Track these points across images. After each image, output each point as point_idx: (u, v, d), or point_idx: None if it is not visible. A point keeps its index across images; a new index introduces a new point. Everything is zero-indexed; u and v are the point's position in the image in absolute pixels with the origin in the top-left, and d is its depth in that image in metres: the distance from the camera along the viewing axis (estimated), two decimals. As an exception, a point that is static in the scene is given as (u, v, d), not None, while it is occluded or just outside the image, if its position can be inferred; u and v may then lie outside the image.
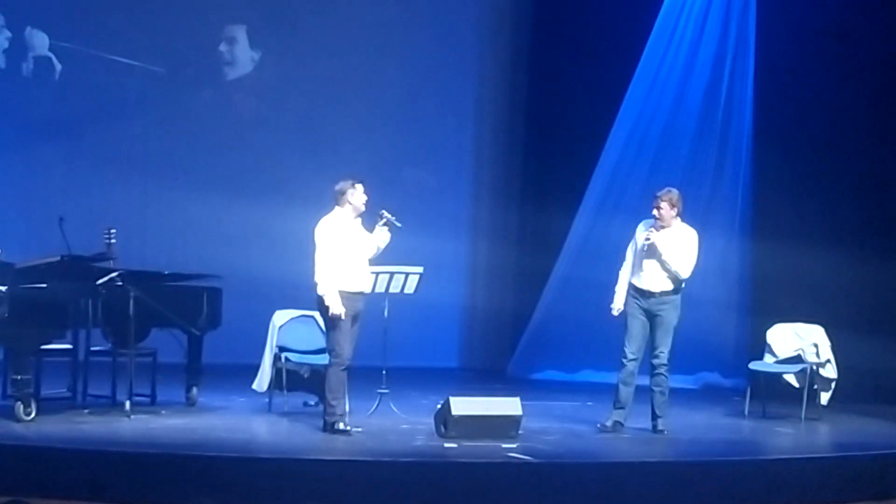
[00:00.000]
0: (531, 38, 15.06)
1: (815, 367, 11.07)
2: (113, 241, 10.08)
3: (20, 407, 9.49)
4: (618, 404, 10.03)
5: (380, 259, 10.14)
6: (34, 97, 14.23)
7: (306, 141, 14.54)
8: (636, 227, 10.16)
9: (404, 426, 10.01)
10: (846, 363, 11.21)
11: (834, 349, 11.16)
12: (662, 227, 9.93)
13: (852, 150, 12.72)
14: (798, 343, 11.29)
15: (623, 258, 10.13)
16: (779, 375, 11.22)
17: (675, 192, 10.02)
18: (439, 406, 9.68)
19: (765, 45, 13.28)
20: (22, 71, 14.24)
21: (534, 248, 14.42)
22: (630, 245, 10.08)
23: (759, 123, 13.39)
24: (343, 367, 9.56)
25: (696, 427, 10.71)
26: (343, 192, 9.67)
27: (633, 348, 9.96)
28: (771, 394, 11.19)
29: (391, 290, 10.46)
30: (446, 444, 9.27)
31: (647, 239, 9.88)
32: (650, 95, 13.79)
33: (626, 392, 10.00)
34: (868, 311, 12.24)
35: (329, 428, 9.52)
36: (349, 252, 9.60)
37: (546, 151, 14.62)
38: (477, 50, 15.23)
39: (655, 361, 9.93)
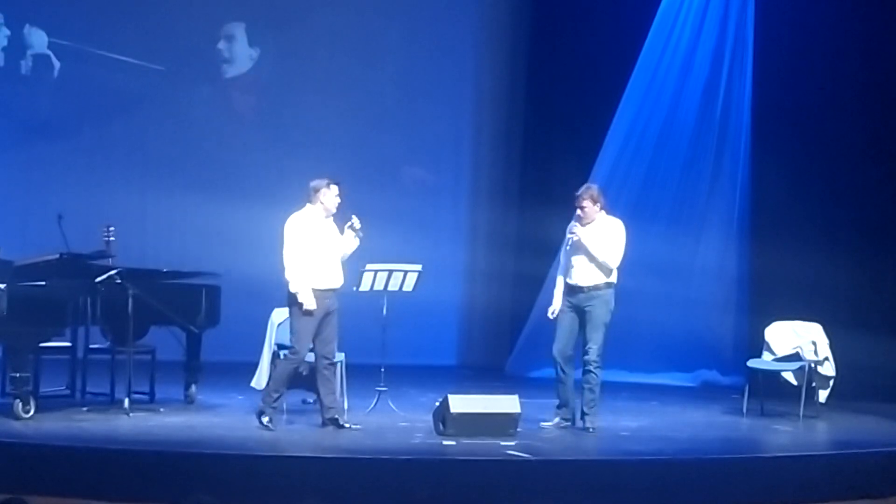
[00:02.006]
0: (529, 37, 15.05)
1: (813, 365, 11.08)
2: (112, 238, 10.08)
3: (19, 405, 9.50)
4: (559, 403, 9.99)
5: (378, 257, 10.13)
6: (33, 95, 14.22)
7: (305, 139, 14.53)
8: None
9: (403, 424, 10.01)
10: (844, 361, 11.20)
11: (832, 347, 11.15)
12: (587, 224, 9.94)
13: (850, 148, 12.72)
14: (796, 341, 11.28)
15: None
16: (777, 373, 11.22)
17: (594, 188, 10.08)
18: (438, 404, 9.69)
19: (763, 44, 13.27)
20: (20, 69, 14.23)
21: (532, 246, 14.38)
22: (563, 247, 10.12)
23: (757, 122, 13.39)
24: (295, 365, 9.63)
25: (695, 425, 10.72)
26: (317, 191, 9.68)
27: (558, 346, 9.92)
28: (769, 392, 11.19)
29: (390, 287, 10.47)
30: (445, 442, 9.28)
31: (570, 233, 9.92)
32: (648, 95, 13.78)
33: (562, 390, 9.98)
34: (866, 308, 12.25)
35: (257, 414, 9.58)
36: (318, 248, 9.60)
37: (544, 150, 14.62)
38: (475, 47, 15.22)
39: (585, 358, 9.88)
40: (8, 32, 14.13)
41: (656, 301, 13.21)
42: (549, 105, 14.58)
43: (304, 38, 14.72)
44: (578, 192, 10.01)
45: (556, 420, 9.98)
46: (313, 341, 9.65)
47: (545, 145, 14.62)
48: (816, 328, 11.24)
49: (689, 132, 13.68)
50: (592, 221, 9.95)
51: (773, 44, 13.10)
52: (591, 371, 9.88)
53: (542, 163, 14.62)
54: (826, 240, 12.58)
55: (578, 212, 9.96)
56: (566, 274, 10.01)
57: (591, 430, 9.88)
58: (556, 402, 10.04)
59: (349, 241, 9.75)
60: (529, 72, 15.05)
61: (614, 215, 10.13)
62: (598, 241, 9.89)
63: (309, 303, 9.45)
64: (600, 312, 9.86)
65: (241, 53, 14.78)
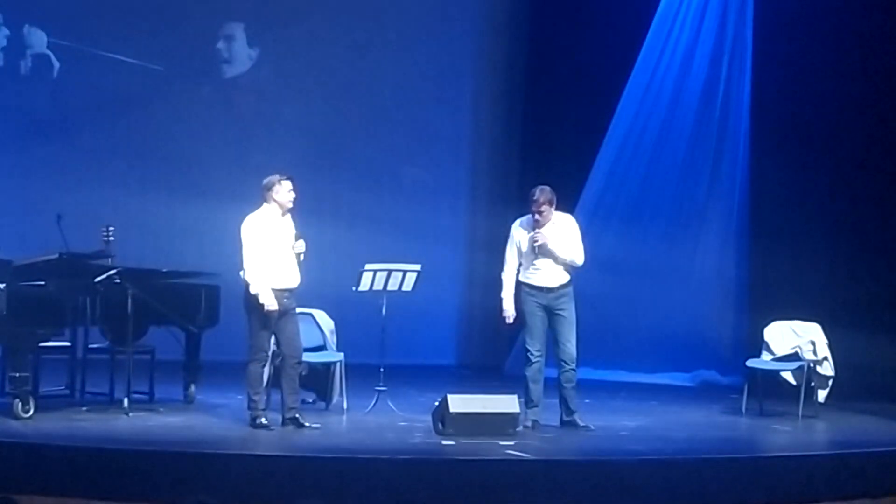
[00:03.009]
0: (528, 37, 15.06)
1: (812, 365, 11.08)
2: (111, 238, 10.08)
3: (18, 404, 9.50)
4: (531, 403, 9.93)
5: (377, 257, 10.11)
6: (32, 95, 14.22)
7: (304, 139, 14.53)
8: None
9: (402, 423, 10.01)
10: (843, 360, 11.20)
11: (831, 346, 11.15)
12: (544, 225, 9.88)
13: (849, 147, 12.73)
14: (795, 340, 11.28)
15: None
16: (776, 373, 11.22)
17: (547, 189, 9.95)
18: (437, 403, 9.69)
19: (762, 44, 13.29)
20: (20, 69, 14.24)
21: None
22: (509, 246, 10.01)
23: (755, 122, 13.40)
24: (262, 364, 9.65)
25: (694, 425, 10.72)
26: (269, 189, 9.66)
27: (537, 346, 9.90)
28: (768, 391, 11.19)
29: (389, 287, 10.47)
30: (444, 442, 9.28)
31: (535, 241, 9.83)
32: (647, 95, 13.79)
33: (536, 390, 9.94)
34: (865, 308, 12.25)
35: (251, 422, 9.56)
36: (274, 249, 9.58)
37: (543, 151, 14.62)
38: (475, 47, 15.24)
39: (565, 357, 9.87)
40: (7, 32, 14.13)
41: (655, 301, 13.23)
42: (549, 106, 14.58)
43: (303, 38, 14.72)
44: (535, 197, 9.86)
45: (532, 420, 9.89)
46: (277, 342, 9.68)
47: (544, 146, 14.62)
48: (815, 328, 11.23)
49: (687, 132, 13.70)
50: (549, 222, 9.93)
51: (773, 44, 13.11)
52: (572, 369, 9.90)
53: (541, 163, 14.59)
54: (825, 239, 12.59)
55: (538, 216, 9.86)
56: (528, 275, 9.94)
57: (590, 427, 9.89)
58: (527, 401, 9.91)
59: (299, 247, 9.68)
60: (529, 72, 15.06)
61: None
62: (561, 242, 9.88)
63: (270, 303, 9.44)
64: (571, 310, 9.89)
65: (240, 53, 14.78)
